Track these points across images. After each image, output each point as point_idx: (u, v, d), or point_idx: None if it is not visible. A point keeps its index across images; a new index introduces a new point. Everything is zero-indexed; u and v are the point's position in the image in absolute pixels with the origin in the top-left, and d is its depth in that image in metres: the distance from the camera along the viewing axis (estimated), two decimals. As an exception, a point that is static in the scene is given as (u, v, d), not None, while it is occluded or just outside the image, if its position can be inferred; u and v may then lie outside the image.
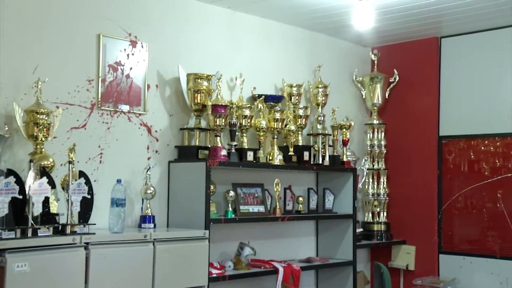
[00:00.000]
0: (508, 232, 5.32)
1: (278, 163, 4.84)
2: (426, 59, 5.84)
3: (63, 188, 3.66)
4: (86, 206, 3.66)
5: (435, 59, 5.79)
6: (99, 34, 4.13)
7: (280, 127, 4.92)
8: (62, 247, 3.34)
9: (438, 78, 5.79)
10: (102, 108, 4.13)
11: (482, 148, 5.55)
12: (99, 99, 4.11)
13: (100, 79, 4.12)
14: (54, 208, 3.49)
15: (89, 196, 3.62)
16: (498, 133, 5.45)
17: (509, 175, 5.37)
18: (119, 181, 3.85)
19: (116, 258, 3.58)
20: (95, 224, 3.66)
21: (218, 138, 4.47)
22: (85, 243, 3.44)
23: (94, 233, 3.53)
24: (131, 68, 4.29)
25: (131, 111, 4.29)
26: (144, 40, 4.38)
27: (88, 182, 3.66)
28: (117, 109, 4.22)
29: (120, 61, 4.24)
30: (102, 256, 3.50)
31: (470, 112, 5.61)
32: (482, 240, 5.48)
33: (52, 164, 3.66)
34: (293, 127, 5.04)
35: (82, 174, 3.71)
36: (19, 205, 3.32)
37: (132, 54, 4.31)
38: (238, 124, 4.66)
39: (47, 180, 3.40)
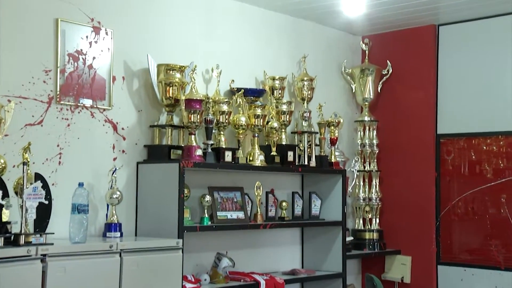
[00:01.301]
0: (514, 240, 5.37)
1: (259, 164, 4.84)
2: (422, 49, 5.87)
3: (16, 193, 3.63)
4: (43, 213, 3.65)
5: (433, 49, 5.82)
6: (57, 19, 4.09)
7: (261, 124, 4.93)
8: (15, 260, 3.30)
9: (436, 70, 5.82)
10: (61, 102, 4.10)
11: (484, 147, 5.59)
12: (58, 92, 4.08)
13: (58, 70, 4.09)
14: (5, 216, 3.43)
15: (46, 202, 3.60)
16: (502, 131, 5.49)
17: (514, 177, 5.42)
18: (81, 184, 3.83)
19: (77, 271, 3.54)
20: (53, 233, 3.65)
21: (193, 136, 4.47)
22: (41, 255, 3.40)
23: (52, 244, 3.50)
24: (94, 58, 4.27)
25: (95, 106, 4.27)
26: (109, 26, 4.36)
27: (45, 186, 3.65)
28: (79, 104, 4.19)
29: (81, 50, 4.21)
30: (62, 270, 3.46)
31: (470, 107, 5.64)
32: (485, 249, 5.52)
33: (3, 165, 3.64)
34: (275, 124, 5.05)
35: (38, 176, 3.71)
36: (-34, 212, 3.31)
37: (95, 42, 4.28)
38: (215, 120, 4.66)
39: (-3, 183, 3.40)
